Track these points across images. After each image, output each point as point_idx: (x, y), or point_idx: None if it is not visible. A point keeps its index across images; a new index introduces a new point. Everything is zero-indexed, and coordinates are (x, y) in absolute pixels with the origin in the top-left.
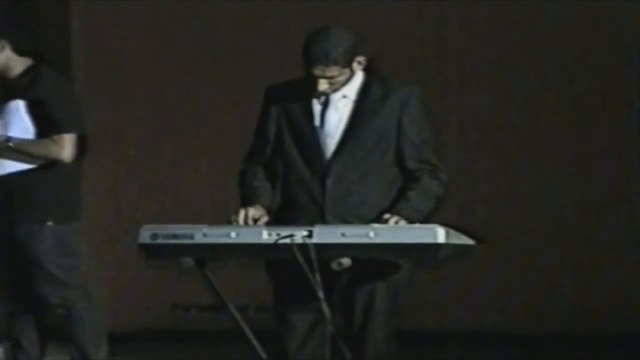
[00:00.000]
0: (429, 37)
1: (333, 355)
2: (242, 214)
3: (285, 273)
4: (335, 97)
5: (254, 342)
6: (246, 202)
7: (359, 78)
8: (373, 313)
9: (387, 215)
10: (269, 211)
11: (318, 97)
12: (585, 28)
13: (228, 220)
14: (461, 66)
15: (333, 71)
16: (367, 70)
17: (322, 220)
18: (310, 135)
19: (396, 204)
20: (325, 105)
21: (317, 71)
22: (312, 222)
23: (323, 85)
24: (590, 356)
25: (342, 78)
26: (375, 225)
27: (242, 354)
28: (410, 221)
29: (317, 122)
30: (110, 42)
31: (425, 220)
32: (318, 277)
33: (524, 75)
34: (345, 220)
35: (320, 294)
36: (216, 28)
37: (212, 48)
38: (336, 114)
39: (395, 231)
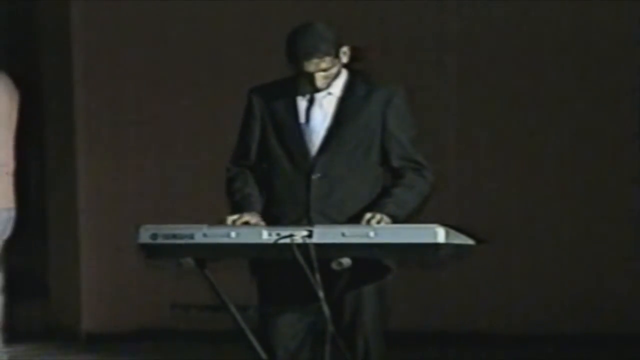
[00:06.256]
0: (429, 36)
1: (333, 355)
2: (237, 219)
3: (269, 273)
4: (320, 95)
5: (254, 342)
6: (240, 209)
7: (343, 76)
8: (361, 314)
9: (368, 215)
10: (262, 216)
11: (312, 94)
12: (587, 27)
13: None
14: (462, 65)
15: (327, 63)
16: (353, 59)
17: (307, 217)
18: (295, 133)
19: (379, 200)
20: (310, 103)
21: (311, 66)
22: (296, 219)
23: (320, 80)
24: (590, 356)
25: (334, 70)
26: (376, 225)
27: (242, 354)
28: (394, 217)
29: (302, 119)
30: (110, 42)
31: (409, 217)
32: (318, 277)
33: (526, 75)
34: (328, 217)
35: (321, 294)
36: (217, 28)
37: (213, 47)
38: (321, 111)
39: (395, 231)
